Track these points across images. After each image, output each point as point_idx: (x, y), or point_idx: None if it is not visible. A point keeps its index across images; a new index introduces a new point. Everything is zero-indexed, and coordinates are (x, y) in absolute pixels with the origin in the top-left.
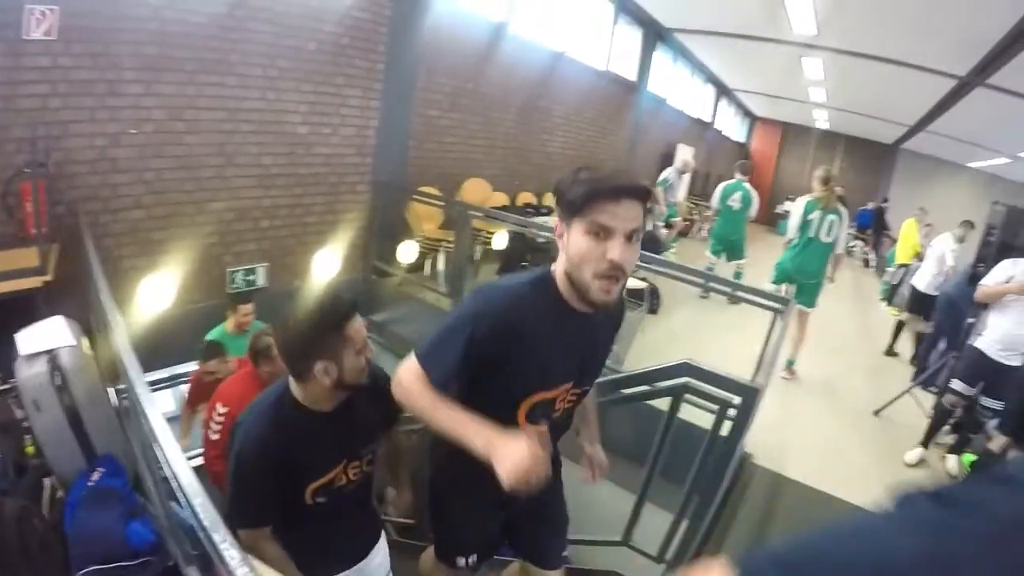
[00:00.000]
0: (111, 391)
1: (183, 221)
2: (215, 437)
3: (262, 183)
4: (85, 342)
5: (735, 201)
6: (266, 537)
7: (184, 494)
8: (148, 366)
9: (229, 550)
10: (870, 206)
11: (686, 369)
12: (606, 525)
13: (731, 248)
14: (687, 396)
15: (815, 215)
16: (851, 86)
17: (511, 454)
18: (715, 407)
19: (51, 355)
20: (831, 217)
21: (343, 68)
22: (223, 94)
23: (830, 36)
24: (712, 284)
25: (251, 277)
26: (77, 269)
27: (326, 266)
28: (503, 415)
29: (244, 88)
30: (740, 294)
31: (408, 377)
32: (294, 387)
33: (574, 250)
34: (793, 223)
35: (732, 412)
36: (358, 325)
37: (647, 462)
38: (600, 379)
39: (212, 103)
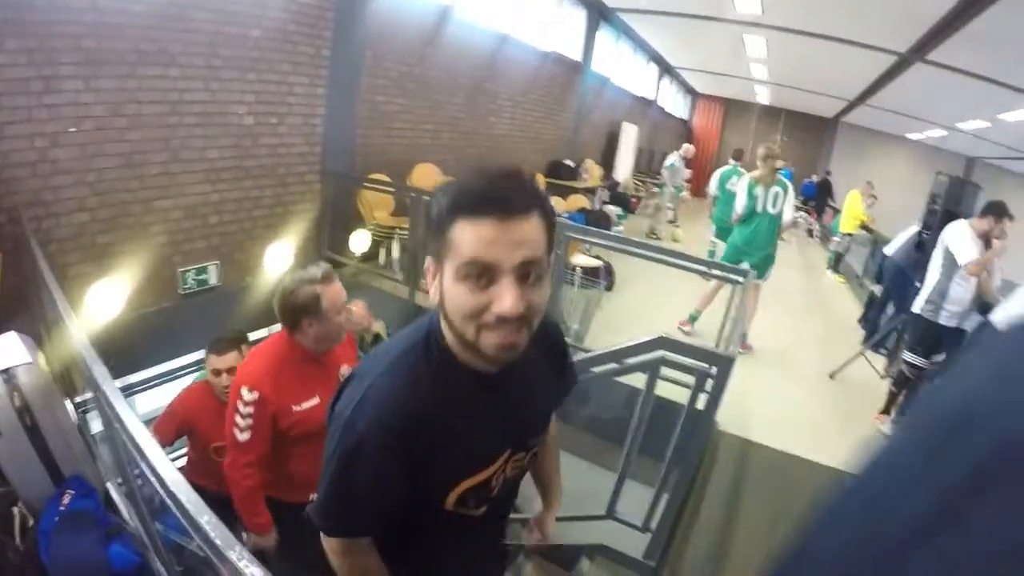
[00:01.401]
0: (69, 406)
1: (130, 222)
2: (244, 437)
3: (209, 178)
4: (42, 359)
5: (734, 185)
6: (365, 550)
7: (184, 510)
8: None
9: (249, 568)
10: (814, 178)
11: (661, 343)
12: (590, 502)
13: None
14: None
15: (759, 190)
16: (792, 63)
17: None
18: (691, 379)
19: (7, 375)
20: (775, 190)
21: (289, 55)
22: (166, 87)
23: (773, 14)
24: (672, 260)
25: (203, 276)
26: (24, 280)
27: (278, 260)
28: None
29: (187, 79)
30: (699, 267)
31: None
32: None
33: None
34: (740, 202)
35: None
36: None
37: (627, 438)
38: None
39: (155, 96)
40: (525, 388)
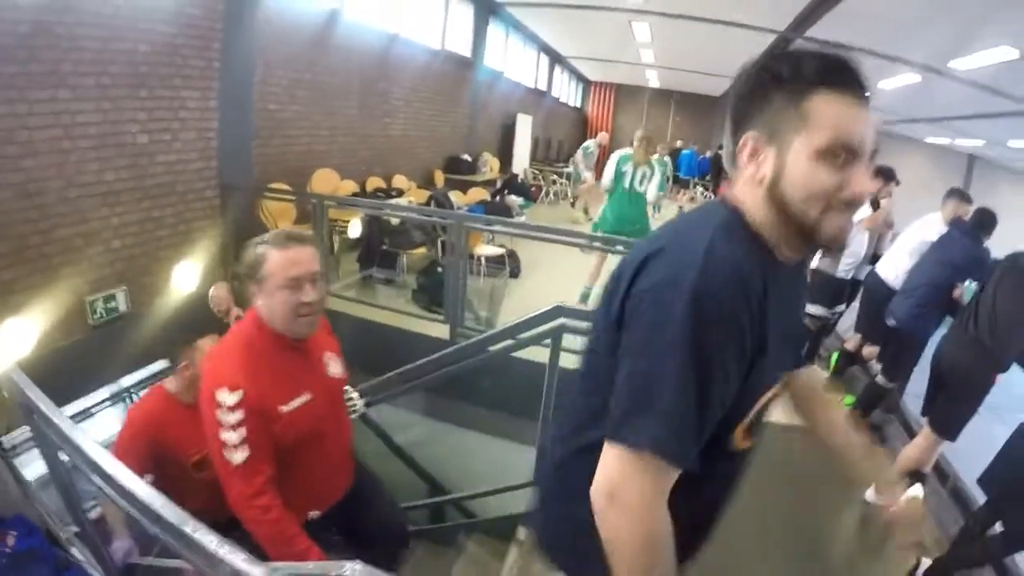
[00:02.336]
0: None
1: (31, 255)
2: (241, 456)
3: (107, 201)
4: None
5: None
6: (664, 498)
7: (169, 526)
8: (13, 423)
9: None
10: (708, 154)
11: (560, 312)
12: (515, 474)
13: None
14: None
15: (628, 167)
16: (678, 46)
17: None
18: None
19: None
20: (643, 169)
21: (179, 69)
22: (57, 109)
23: (656, 1)
24: (571, 239)
25: (111, 304)
26: None
27: (185, 280)
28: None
29: (79, 100)
30: (596, 245)
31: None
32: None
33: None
34: (607, 174)
35: None
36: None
37: (540, 407)
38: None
39: (46, 120)
40: (799, 295)
